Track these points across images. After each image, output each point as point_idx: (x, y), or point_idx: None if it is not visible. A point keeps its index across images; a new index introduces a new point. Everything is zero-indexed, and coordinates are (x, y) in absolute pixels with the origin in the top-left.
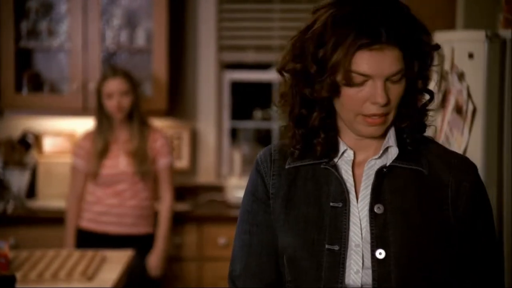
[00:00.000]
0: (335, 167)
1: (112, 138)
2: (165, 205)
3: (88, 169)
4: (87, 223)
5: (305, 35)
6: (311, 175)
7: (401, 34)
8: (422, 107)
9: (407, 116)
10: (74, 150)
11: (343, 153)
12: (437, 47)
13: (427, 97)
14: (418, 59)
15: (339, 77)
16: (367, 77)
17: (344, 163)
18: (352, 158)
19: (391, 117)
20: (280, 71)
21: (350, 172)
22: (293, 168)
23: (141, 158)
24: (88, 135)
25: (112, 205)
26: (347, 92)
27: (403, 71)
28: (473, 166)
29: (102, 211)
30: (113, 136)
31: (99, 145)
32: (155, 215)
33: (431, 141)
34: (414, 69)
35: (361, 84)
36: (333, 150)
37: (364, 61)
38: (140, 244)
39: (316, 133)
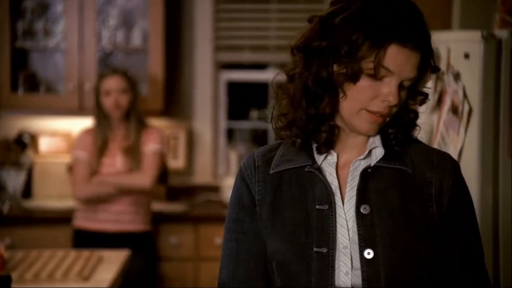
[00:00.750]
0: (319, 169)
1: (110, 137)
2: (140, 176)
3: (90, 163)
4: (84, 222)
5: (334, 19)
6: (295, 179)
7: (425, 43)
8: (411, 120)
9: (396, 126)
10: (76, 143)
11: (326, 155)
12: (438, 69)
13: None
14: (427, 74)
15: (364, 65)
16: (388, 72)
17: (327, 165)
18: (336, 160)
19: (388, 119)
20: (293, 49)
21: (334, 174)
22: (277, 173)
23: (136, 156)
24: (89, 131)
25: (109, 202)
26: (364, 83)
27: (415, 79)
28: (454, 163)
29: (98, 209)
30: (111, 134)
31: (98, 142)
32: (152, 213)
33: (414, 140)
34: (421, 82)
35: (380, 79)
36: (331, 143)
37: (394, 56)
38: (137, 242)
39: (325, 119)
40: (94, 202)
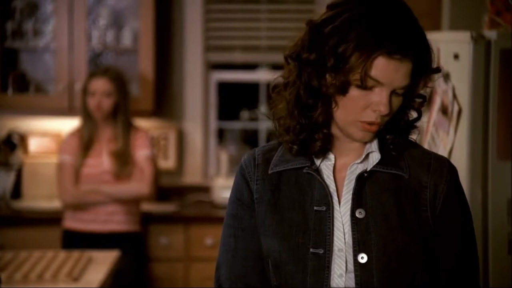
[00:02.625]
0: (318, 171)
1: (96, 137)
2: (138, 184)
3: (76, 166)
4: (72, 222)
5: (324, 28)
6: (294, 180)
7: (417, 51)
8: (409, 122)
9: (394, 129)
10: (61, 147)
11: (324, 158)
12: (438, 70)
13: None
14: (423, 79)
15: (352, 77)
16: (378, 83)
17: (325, 167)
18: (333, 162)
19: (382, 126)
20: (287, 58)
21: (332, 177)
22: (276, 173)
23: (124, 159)
24: (74, 133)
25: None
26: (354, 93)
27: (407, 87)
28: (452, 168)
29: (87, 209)
30: (97, 134)
31: (83, 141)
32: (141, 214)
33: (412, 143)
34: (417, 87)
35: (370, 88)
36: (327, 149)
37: (381, 67)
38: (127, 243)
39: (319, 128)
40: (81, 207)
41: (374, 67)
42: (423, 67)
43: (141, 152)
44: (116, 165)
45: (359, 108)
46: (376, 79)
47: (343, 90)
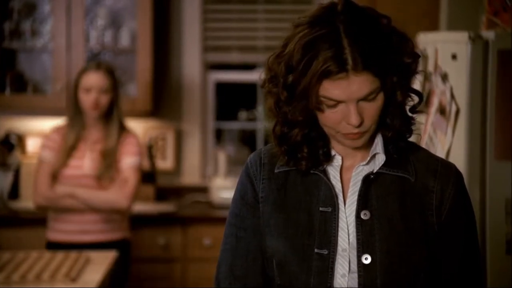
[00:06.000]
0: (324, 172)
1: (82, 137)
2: (116, 195)
3: (54, 165)
4: (55, 234)
5: (281, 55)
6: (300, 180)
7: (372, 57)
8: (410, 110)
9: (392, 126)
10: (44, 143)
11: (331, 158)
12: (417, 55)
13: (416, 98)
14: (394, 73)
15: (310, 102)
16: (336, 101)
17: (332, 168)
18: (340, 163)
19: (371, 130)
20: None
21: (338, 178)
22: (282, 173)
23: (109, 162)
24: (59, 130)
25: (77, 210)
26: (322, 114)
27: (377, 89)
28: (458, 174)
29: (68, 219)
30: (84, 134)
31: (69, 142)
32: (129, 218)
33: (418, 147)
34: (390, 84)
35: (334, 106)
36: (320, 160)
37: (332, 88)
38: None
39: (300, 147)
40: (57, 211)
41: (323, 91)
42: (391, 64)
43: (127, 160)
44: (100, 167)
45: (334, 123)
46: (331, 99)
47: (310, 115)
